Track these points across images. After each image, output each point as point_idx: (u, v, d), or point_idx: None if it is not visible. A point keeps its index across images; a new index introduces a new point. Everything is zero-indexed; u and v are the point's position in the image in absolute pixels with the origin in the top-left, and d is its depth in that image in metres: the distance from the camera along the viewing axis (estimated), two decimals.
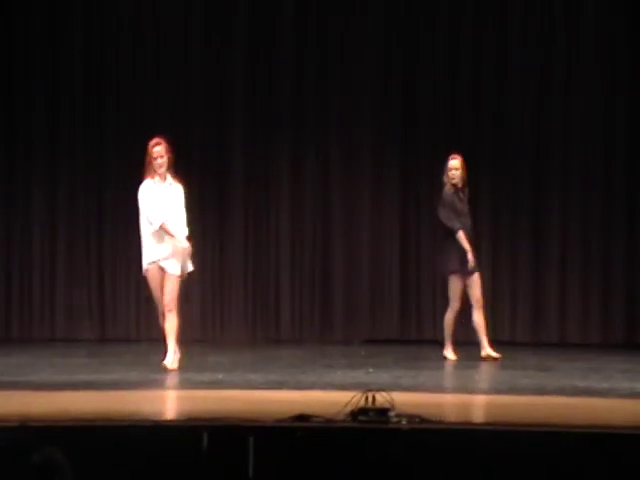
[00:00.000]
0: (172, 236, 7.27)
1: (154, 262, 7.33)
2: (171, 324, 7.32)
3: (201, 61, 9.50)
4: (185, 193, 7.46)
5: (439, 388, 6.80)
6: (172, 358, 7.23)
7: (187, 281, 9.57)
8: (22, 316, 9.35)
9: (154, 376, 6.95)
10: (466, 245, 8.02)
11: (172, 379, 6.83)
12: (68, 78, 9.42)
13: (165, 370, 7.10)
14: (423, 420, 4.84)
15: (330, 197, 9.60)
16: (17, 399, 5.88)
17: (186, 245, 7.33)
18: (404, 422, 4.78)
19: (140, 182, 7.40)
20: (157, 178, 7.32)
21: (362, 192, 9.58)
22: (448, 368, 7.83)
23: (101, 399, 6.05)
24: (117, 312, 9.48)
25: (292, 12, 9.52)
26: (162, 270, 7.34)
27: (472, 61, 9.49)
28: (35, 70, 9.41)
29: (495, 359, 8.02)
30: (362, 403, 4.85)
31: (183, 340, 9.29)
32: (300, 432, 4.70)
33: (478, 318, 8.12)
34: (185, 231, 7.40)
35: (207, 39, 9.48)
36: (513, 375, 7.30)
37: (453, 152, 8.27)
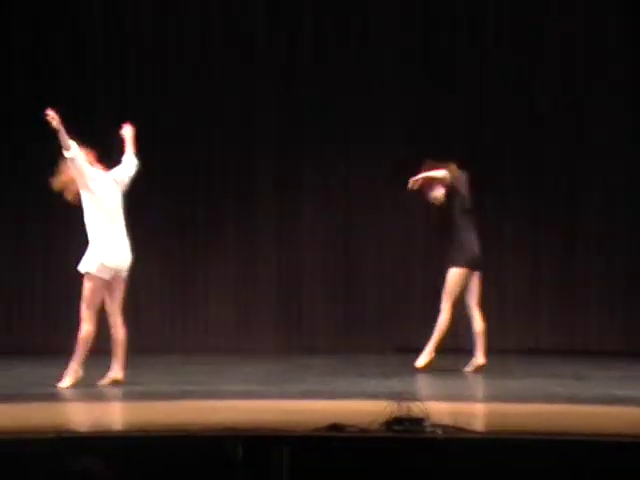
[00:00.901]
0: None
1: (115, 268, 6.93)
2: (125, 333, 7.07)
3: (227, 77, 9.54)
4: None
5: (474, 397, 6.76)
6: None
7: (218, 292, 9.69)
8: (57, 329, 9.40)
9: (188, 387, 6.97)
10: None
11: (205, 390, 6.85)
12: (98, 102, 9.48)
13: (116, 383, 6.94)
14: (458, 429, 4.82)
15: (359, 205, 9.60)
16: (53, 410, 5.92)
17: None
18: (439, 432, 4.76)
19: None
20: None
21: (388, 200, 9.54)
22: (482, 377, 7.78)
23: (136, 409, 6.07)
24: (151, 324, 9.53)
25: (311, 22, 9.52)
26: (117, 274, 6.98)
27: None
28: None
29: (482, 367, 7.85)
30: (396, 412, 4.83)
31: (215, 350, 9.39)
32: (335, 442, 4.70)
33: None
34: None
35: (228, 52, 9.50)
36: (547, 384, 7.25)
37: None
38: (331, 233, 9.60)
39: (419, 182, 8.00)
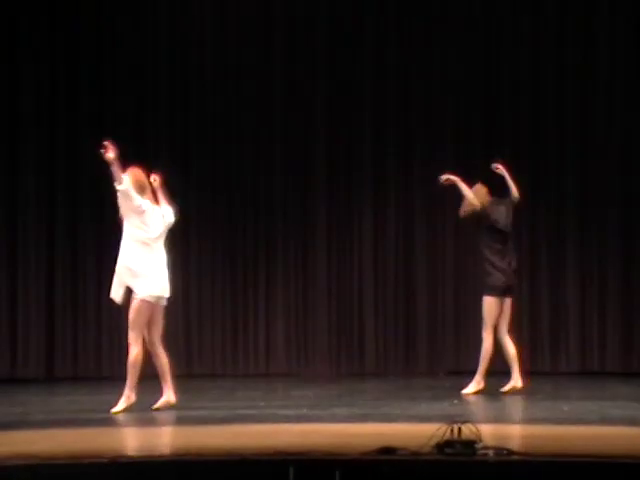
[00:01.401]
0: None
1: (157, 295, 7.08)
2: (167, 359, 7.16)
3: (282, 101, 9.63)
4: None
5: (526, 419, 6.70)
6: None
7: (271, 318, 9.73)
8: (112, 355, 9.50)
9: (241, 411, 7.01)
10: None
11: (257, 414, 6.88)
12: (154, 126, 9.61)
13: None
14: (510, 452, 4.78)
15: (412, 229, 9.61)
16: (108, 435, 5.99)
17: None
18: (491, 454, 4.73)
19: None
20: None
21: (444, 225, 9.56)
22: (534, 399, 7.71)
23: (189, 434, 6.12)
24: (203, 347, 9.60)
25: (372, 49, 9.59)
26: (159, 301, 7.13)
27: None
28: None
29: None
30: (448, 435, 4.81)
31: (267, 374, 9.43)
32: (386, 465, 4.69)
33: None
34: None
35: (289, 87, 9.59)
36: (603, 406, 7.15)
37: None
38: (384, 259, 9.61)
39: (450, 182, 7.94)
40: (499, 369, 9.35)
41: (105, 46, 9.53)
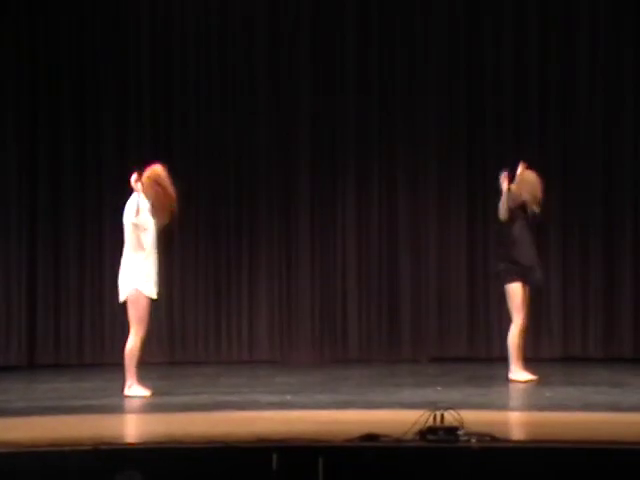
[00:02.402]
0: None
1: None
2: None
3: (267, 83, 9.59)
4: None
5: (509, 406, 6.72)
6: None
7: (253, 305, 9.72)
8: (94, 342, 9.51)
9: (223, 398, 7.00)
10: None
11: (240, 401, 6.88)
12: (136, 115, 9.56)
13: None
14: (493, 439, 4.79)
15: (396, 216, 9.60)
16: (90, 422, 5.98)
17: None
18: (474, 441, 4.74)
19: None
20: None
21: (428, 210, 9.57)
22: (518, 386, 7.73)
23: (172, 421, 6.11)
24: (185, 334, 9.58)
25: (355, 29, 9.55)
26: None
27: (538, 72, 9.45)
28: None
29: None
30: (431, 422, 4.82)
31: (250, 361, 9.42)
32: (369, 452, 4.69)
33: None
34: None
35: (272, 64, 9.56)
36: (586, 392, 7.18)
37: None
38: (367, 245, 9.60)
39: (507, 179, 7.86)
40: (483, 355, 9.40)
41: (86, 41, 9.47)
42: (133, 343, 7.19)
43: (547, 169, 9.05)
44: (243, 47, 9.58)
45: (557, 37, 9.48)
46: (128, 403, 6.91)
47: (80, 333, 9.51)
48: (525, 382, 7.70)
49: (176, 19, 9.63)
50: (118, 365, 9.14)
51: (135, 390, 7.12)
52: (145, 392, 7.12)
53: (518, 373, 7.78)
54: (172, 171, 9.48)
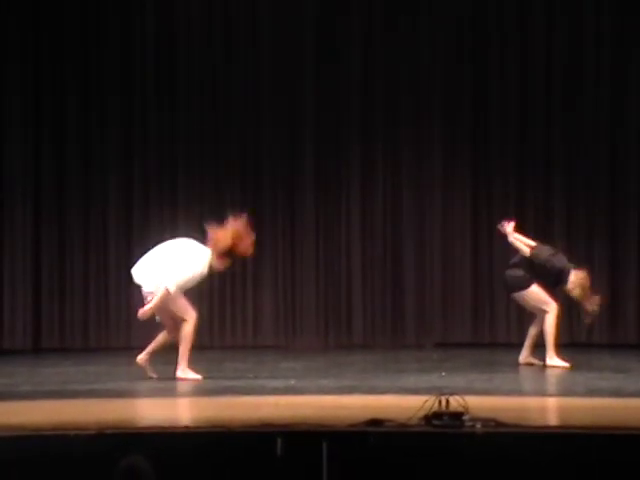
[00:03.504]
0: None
1: None
2: None
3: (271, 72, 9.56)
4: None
5: (514, 391, 6.72)
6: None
7: (258, 290, 9.71)
8: (99, 326, 9.52)
9: (228, 383, 7.01)
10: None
11: (244, 385, 6.88)
12: (141, 104, 9.53)
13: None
14: (498, 424, 4.79)
15: (400, 203, 9.59)
16: (94, 407, 5.99)
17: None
18: (479, 426, 4.74)
19: None
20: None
21: (432, 196, 9.56)
22: (523, 371, 7.73)
23: (177, 405, 6.12)
24: None
25: (358, 17, 9.53)
26: None
27: (544, 67, 9.42)
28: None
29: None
30: (436, 407, 4.81)
31: (256, 347, 9.43)
32: (373, 437, 4.69)
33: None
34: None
35: (277, 53, 9.52)
36: (589, 377, 7.18)
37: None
38: (372, 231, 9.59)
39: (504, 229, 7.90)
40: (486, 340, 9.39)
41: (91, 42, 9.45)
42: (188, 328, 7.20)
43: (550, 160, 9.09)
44: (248, 35, 9.55)
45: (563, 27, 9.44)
46: (132, 388, 6.91)
47: (85, 317, 9.52)
48: (562, 368, 7.68)
49: (181, 20, 9.58)
50: (123, 349, 9.22)
51: (188, 373, 7.13)
52: (197, 376, 7.15)
53: (555, 359, 7.78)
54: (177, 156, 9.55)
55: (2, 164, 9.48)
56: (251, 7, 9.60)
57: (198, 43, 9.57)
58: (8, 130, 9.46)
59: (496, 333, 9.41)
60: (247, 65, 9.57)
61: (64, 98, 9.49)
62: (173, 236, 7.65)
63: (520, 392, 6.84)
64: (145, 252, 7.43)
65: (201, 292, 9.60)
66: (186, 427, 5.04)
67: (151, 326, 9.65)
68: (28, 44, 9.44)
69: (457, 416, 4.77)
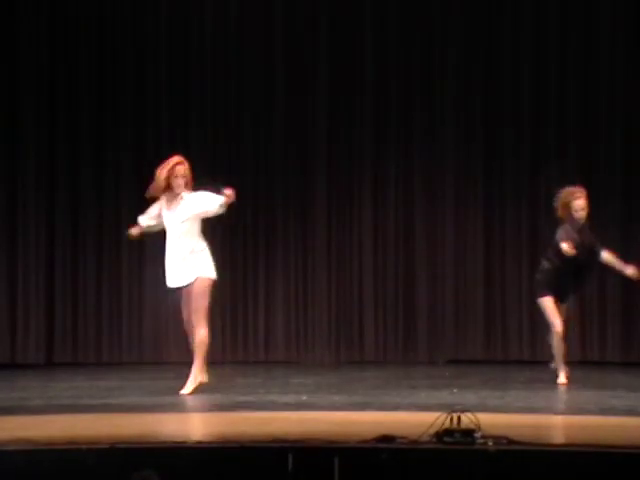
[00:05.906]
0: None
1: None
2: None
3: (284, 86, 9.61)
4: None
5: (526, 409, 6.70)
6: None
7: (270, 305, 9.71)
8: (112, 341, 9.55)
9: (239, 398, 7.01)
10: None
11: (256, 401, 6.89)
12: (154, 117, 9.59)
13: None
14: (510, 441, 4.78)
15: (412, 219, 9.60)
16: (107, 421, 6.00)
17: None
18: (490, 443, 4.73)
19: None
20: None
21: (445, 212, 9.56)
22: (535, 389, 7.71)
23: (188, 421, 6.12)
24: None
25: (372, 29, 9.56)
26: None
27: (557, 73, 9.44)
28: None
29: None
30: (447, 424, 4.81)
31: (268, 362, 9.44)
32: (385, 453, 4.69)
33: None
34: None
35: (290, 64, 9.58)
36: (602, 395, 7.15)
37: (574, 186, 7.81)
38: (384, 247, 9.60)
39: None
40: (499, 358, 9.36)
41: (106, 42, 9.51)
42: (204, 332, 7.22)
43: (565, 175, 9.06)
44: (261, 46, 9.60)
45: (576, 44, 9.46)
46: (143, 402, 6.93)
47: (98, 332, 9.55)
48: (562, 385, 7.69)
49: (195, 21, 9.65)
50: (135, 364, 9.24)
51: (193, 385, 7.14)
52: (190, 387, 7.17)
53: (560, 376, 7.78)
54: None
55: (16, 170, 9.50)
56: (263, 23, 9.65)
57: (211, 49, 9.59)
58: (22, 136, 9.49)
59: (508, 350, 9.39)
60: (260, 79, 9.58)
61: (79, 100, 9.51)
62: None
63: (532, 410, 6.82)
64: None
65: (213, 307, 9.66)
66: (198, 442, 5.04)
67: (163, 342, 9.69)
68: (42, 48, 9.45)
69: (469, 433, 4.77)
